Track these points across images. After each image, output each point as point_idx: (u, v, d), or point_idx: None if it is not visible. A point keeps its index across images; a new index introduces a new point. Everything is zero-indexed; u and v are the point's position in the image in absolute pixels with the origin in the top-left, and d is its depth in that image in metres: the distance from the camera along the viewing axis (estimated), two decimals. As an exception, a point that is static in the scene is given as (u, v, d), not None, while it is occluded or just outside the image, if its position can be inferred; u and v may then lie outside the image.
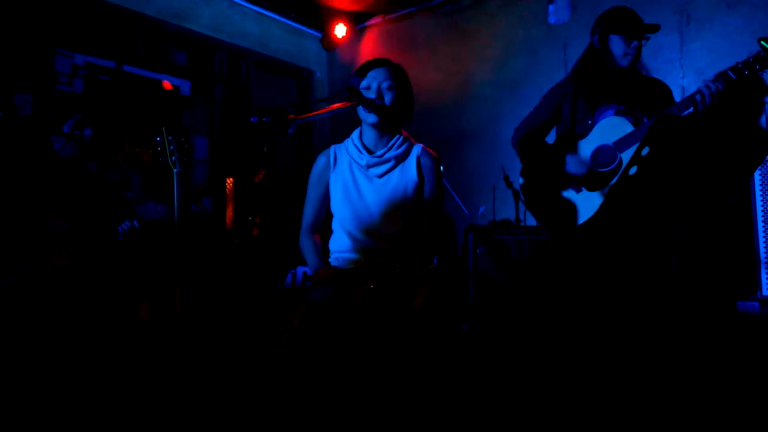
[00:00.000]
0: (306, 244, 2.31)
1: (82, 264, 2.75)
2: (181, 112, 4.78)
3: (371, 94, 2.11)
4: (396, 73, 2.17)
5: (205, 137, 4.97)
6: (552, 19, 4.38)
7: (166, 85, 4.63)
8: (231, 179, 4.82)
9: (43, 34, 3.80)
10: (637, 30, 2.56)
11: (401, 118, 2.24)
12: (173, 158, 2.54)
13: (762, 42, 2.35)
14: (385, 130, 2.21)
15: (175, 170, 2.52)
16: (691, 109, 2.40)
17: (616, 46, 2.60)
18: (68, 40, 3.98)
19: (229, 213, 4.78)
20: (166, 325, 2.48)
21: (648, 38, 2.60)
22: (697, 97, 2.38)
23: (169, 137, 2.57)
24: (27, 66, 3.72)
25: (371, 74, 2.15)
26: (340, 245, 2.26)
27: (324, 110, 1.83)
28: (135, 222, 2.78)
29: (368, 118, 2.14)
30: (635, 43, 2.56)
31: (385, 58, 2.23)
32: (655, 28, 2.56)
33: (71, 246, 2.73)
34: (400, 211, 2.18)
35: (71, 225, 2.71)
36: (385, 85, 2.12)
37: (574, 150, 2.67)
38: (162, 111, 4.59)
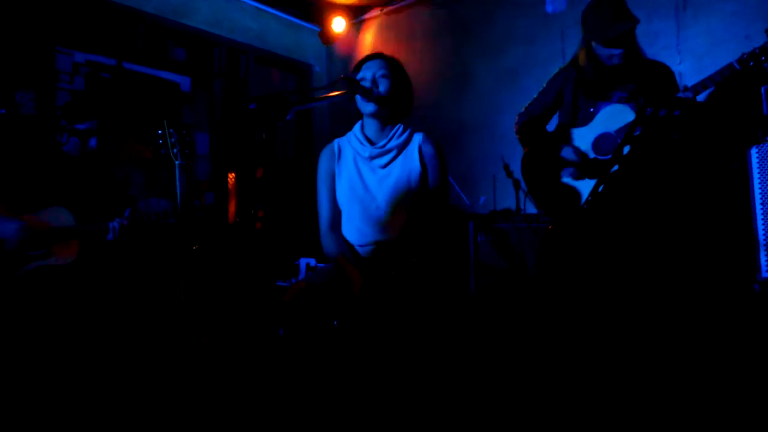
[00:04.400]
0: (330, 246, 2.22)
1: (87, 259, 2.79)
2: (181, 108, 4.81)
3: (366, 84, 2.13)
4: (390, 63, 2.19)
5: (206, 133, 4.99)
6: (549, 8, 4.39)
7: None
8: (233, 174, 4.85)
9: (44, 33, 3.83)
10: (614, 40, 2.47)
11: (400, 108, 2.24)
12: (175, 151, 2.57)
13: None
14: (385, 120, 2.22)
15: (176, 162, 2.55)
16: (690, 95, 2.41)
17: (600, 50, 2.56)
18: (69, 39, 4.01)
19: (232, 207, 4.81)
20: (171, 316, 2.51)
21: (636, 24, 2.47)
22: (690, 93, 2.40)
23: (171, 130, 2.61)
24: (28, 64, 3.74)
25: (366, 66, 2.18)
26: (350, 238, 2.25)
27: (321, 98, 1.85)
28: (124, 221, 2.79)
29: (366, 108, 2.15)
30: (617, 46, 2.49)
31: (380, 51, 2.25)
32: (634, 22, 2.45)
33: (77, 241, 2.76)
34: (406, 201, 2.16)
35: (78, 220, 2.75)
36: (379, 74, 2.14)
37: (572, 137, 2.68)
38: (162, 107, 4.62)
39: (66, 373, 2.50)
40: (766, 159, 2.75)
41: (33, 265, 2.66)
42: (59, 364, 2.54)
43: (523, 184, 2.90)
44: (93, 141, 2.91)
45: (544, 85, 2.85)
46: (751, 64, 2.37)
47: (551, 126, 2.91)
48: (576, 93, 2.70)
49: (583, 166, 2.63)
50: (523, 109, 2.90)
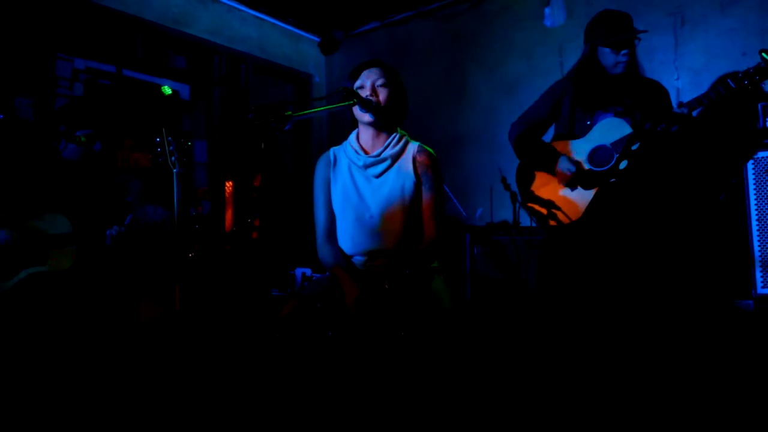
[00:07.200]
0: (327, 256, 2.22)
1: (83, 266, 2.77)
2: (181, 116, 4.82)
3: (365, 93, 2.13)
4: (389, 72, 2.20)
5: (205, 141, 5.00)
6: (548, 22, 4.42)
7: (166, 89, 4.66)
8: (230, 183, 4.85)
9: (44, 39, 3.84)
10: (623, 42, 2.58)
11: (396, 117, 2.25)
12: (173, 158, 2.57)
13: (763, 54, 2.40)
14: (381, 129, 2.21)
15: (174, 170, 2.54)
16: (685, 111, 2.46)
17: (606, 57, 2.64)
18: (69, 45, 4.02)
19: (229, 216, 4.80)
20: (166, 324, 2.50)
21: (640, 39, 2.61)
22: (685, 110, 2.45)
23: (169, 138, 2.60)
24: (28, 70, 3.75)
25: (365, 74, 2.18)
26: (344, 247, 2.24)
27: (321, 108, 1.85)
28: (122, 228, 2.78)
29: (364, 117, 2.15)
30: (624, 52, 2.58)
31: (377, 58, 2.26)
32: (642, 32, 2.57)
33: (73, 247, 2.75)
34: (400, 211, 2.15)
35: (74, 226, 2.74)
36: (379, 83, 2.15)
37: (570, 149, 2.70)
38: (161, 115, 4.62)
39: (59, 381, 2.49)
40: (762, 175, 2.77)
41: (27, 271, 2.65)
42: (52, 370, 2.53)
43: (519, 196, 2.91)
44: (97, 145, 2.90)
45: (540, 97, 2.89)
46: (746, 83, 2.42)
47: (547, 137, 2.93)
48: (573, 106, 2.73)
49: (579, 177, 2.64)
50: (517, 119, 2.93)
